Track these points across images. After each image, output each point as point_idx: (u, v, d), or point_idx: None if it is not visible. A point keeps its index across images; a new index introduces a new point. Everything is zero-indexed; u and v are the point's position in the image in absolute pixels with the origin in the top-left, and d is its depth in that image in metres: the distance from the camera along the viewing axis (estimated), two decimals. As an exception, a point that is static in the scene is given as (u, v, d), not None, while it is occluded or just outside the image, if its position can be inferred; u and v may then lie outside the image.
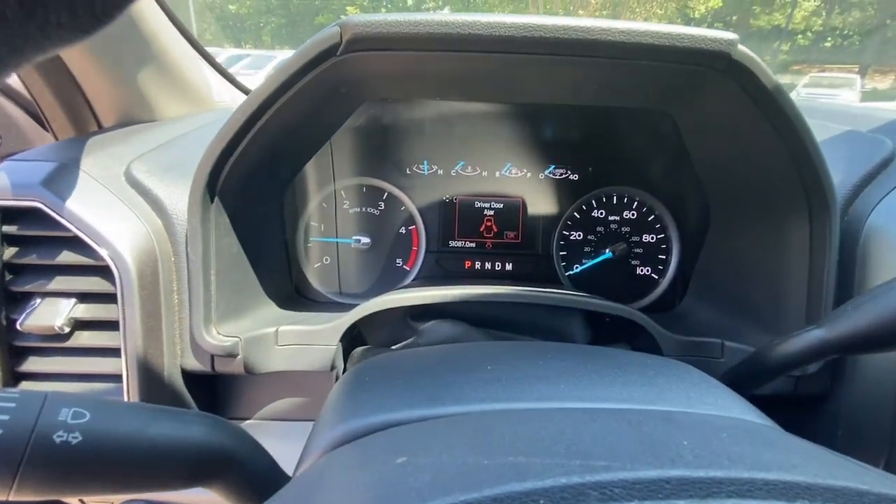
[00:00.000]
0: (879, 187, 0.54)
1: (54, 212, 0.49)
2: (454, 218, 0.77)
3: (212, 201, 0.51)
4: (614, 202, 0.77)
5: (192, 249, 0.51)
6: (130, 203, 0.54)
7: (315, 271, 0.76)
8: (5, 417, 0.23)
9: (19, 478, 0.23)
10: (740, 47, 0.45)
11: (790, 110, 0.47)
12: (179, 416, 0.29)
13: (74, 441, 0.24)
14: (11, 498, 0.24)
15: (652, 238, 0.76)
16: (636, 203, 0.76)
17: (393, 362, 0.39)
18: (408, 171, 0.76)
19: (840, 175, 0.56)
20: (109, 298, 0.50)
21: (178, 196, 0.55)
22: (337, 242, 0.76)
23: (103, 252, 0.49)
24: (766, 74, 0.46)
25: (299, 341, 0.56)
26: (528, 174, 0.77)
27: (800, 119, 0.47)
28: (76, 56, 0.64)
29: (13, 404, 0.24)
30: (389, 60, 0.48)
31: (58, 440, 0.24)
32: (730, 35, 0.44)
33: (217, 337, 0.52)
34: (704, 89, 0.50)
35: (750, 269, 0.61)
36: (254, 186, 0.57)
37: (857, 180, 0.56)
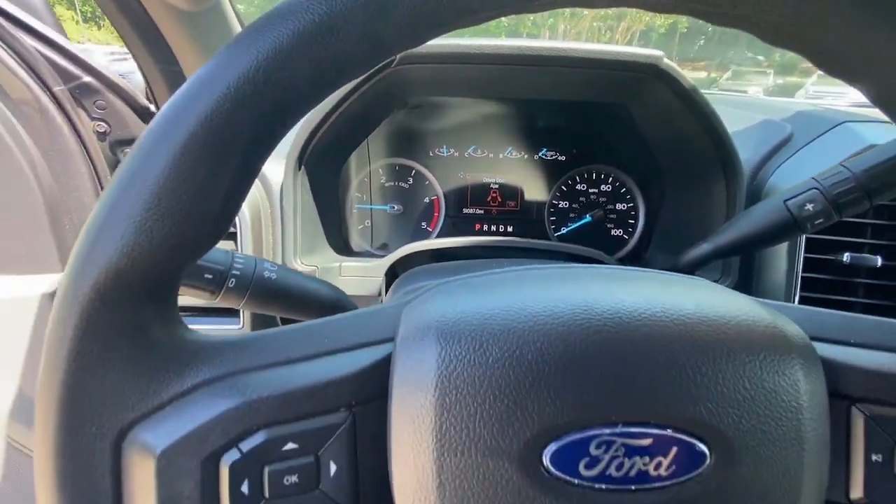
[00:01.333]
0: (778, 159, 0.74)
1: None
2: (467, 190, 0.98)
3: (299, 170, 0.73)
4: (594, 177, 0.97)
5: (286, 202, 0.72)
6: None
7: (358, 231, 0.97)
8: (241, 262, 0.45)
9: (248, 295, 0.45)
10: (665, 60, 0.65)
11: (704, 104, 0.67)
12: (318, 280, 0.50)
13: (274, 277, 0.46)
14: (241, 307, 0.46)
15: (623, 206, 0.97)
16: (611, 178, 0.97)
17: (431, 267, 0.60)
18: (430, 154, 0.97)
19: (751, 151, 0.76)
20: (229, 236, 0.72)
21: (272, 168, 0.77)
22: (372, 209, 0.98)
23: (226, 204, 0.71)
24: (685, 79, 0.66)
25: (356, 273, 0.78)
26: (525, 156, 0.98)
27: (711, 110, 0.67)
28: (187, 56, 0.86)
29: (243, 259, 0.46)
30: (428, 70, 0.69)
31: (266, 275, 0.46)
32: (657, 52, 0.65)
33: (301, 265, 0.73)
34: (645, 89, 0.71)
35: (691, 223, 0.81)
36: (323, 163, 0.79)
37: (764, 154, 0.76)
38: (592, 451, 0.22)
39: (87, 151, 0.83)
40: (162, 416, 0.23)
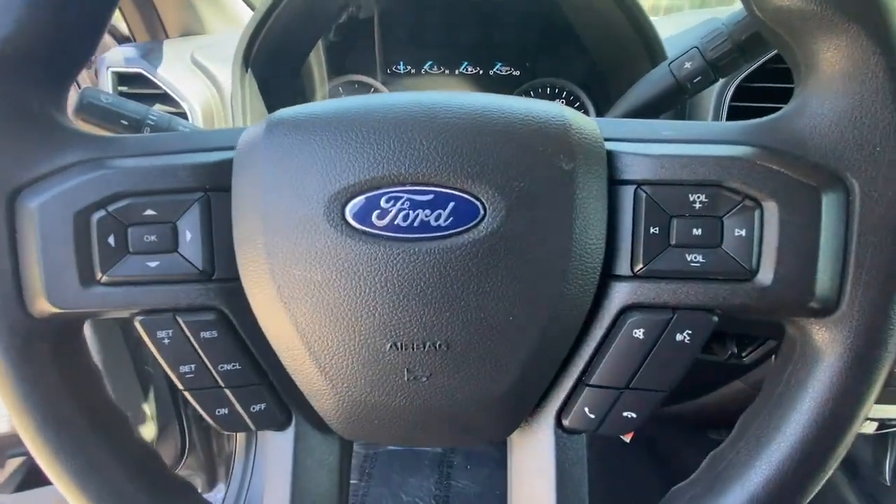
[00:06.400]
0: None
1: (152, 76, 0.77)
2: (425, 106, 1.02)
3: (246, 71, 0.78)
4: (546, 91, 1.00)
5: (234, 104, 0.78)
6: (196, 76, 0.81)
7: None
8: (156, 116, 0.51)
9: None
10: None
11: None
12: None
13: (187, 131, 0.52)
14: None
15: (574, 118, 0.99)
16: (564, 91, 0.99)
17: None
18: (388, 71, 1.01)
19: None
20: (186, 134, 0.79)
21: (225, 74, 0.82)
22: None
23: (184, 105, 0.77)
24: None
25: None
26: (481, 71, 1.01)
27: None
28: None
29: (159, 114, 0.52)
30: None
31: (180, 129, 0.52)
32: None
33: None
34: None
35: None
36: (274, 65, 0.83)
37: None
38: (383, 204, 0.27)
39: None
40: (44, 184, 0.28)
